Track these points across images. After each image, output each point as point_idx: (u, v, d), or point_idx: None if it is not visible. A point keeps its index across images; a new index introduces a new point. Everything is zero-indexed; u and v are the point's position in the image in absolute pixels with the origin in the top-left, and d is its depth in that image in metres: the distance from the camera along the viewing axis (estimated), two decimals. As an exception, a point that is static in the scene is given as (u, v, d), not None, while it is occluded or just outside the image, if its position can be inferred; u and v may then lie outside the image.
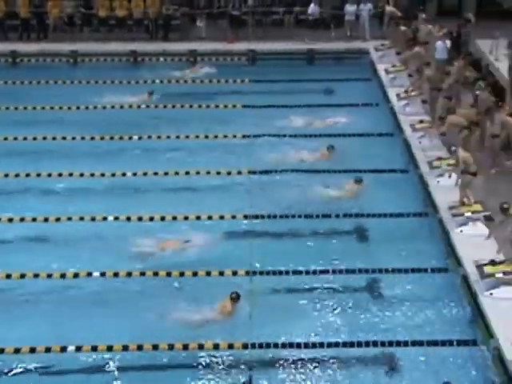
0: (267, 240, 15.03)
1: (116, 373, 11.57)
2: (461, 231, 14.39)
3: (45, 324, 12.54)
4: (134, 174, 17.48)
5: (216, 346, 11.89)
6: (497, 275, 12.63)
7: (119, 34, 27.03)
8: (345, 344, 11.98)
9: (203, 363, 11.74)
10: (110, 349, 11.84)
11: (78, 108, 21.37)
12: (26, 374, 11.54)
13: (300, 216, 15.56)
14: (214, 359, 11.78)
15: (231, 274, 13.67)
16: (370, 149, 18.60)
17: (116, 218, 15.53)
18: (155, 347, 11.86)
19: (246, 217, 15.51)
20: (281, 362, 11.72)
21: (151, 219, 15.50)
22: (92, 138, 19.39)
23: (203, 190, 16.92)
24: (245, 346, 11.86)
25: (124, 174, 17.48)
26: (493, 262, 12.92)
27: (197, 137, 19.44)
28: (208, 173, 17.42)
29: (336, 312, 12.90)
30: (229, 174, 17.45)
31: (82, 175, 17.41)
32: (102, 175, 17.42)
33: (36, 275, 13.67)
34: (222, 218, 15.50)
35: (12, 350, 11.79)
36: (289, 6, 27.95)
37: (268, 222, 15.48)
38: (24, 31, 26.84)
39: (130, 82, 23.56)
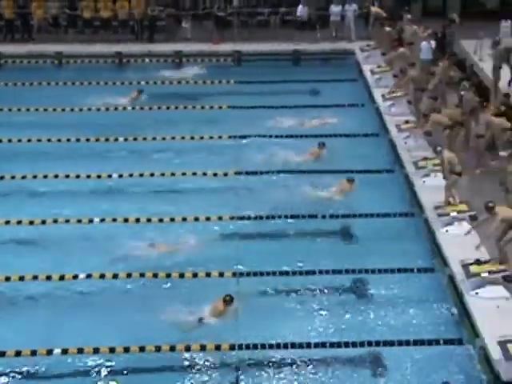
0: (254, 241, 15.04)
1: (102, 375, 11.54)
2: (446, 231, 14.45)
3: (31, 326, 12.48)
4: (120, 176, 17.43)
5: (203, 348, 11.88)
6: (482, 274, 12.69)
7: (104, 35, 26.95)
8: (332, 344, 12.00)
9: (190, 365, 11.72)
10: (96, 351, 11.80)
11: (63, 110, 21.29)
12: (10, 376, 11.47)
13: (286, 217, 15.58)
14: (201, 361, 11.76)
15: (218, 275, 13.66)
16: (356, 149, 18.63)
17: (102, 220, 15.48)
18: (142, 349, 11.83)
19: (232, 218, 15.50)
20: (268, 363, 11.72)
21: (137, 220, 15.47)
22: (77, 140, 19.31)
23: (189, 191, 16.90)
24: (232, 347, 11.86)
25: (110, 176, 17.43)
26: (478, 262, 12.98)
27: (183, 138, 19.41)
28: (194, 174, 17.41)
29: (323, 312, 12.91)
30: (215, 175, 17.44)
31: (67, 177, 17.34)
32: (88, 177, 17.37)
33: (21, 278, 13.62)
34: (208, 219, 15.49)
35: (-3, 353, 11.74)
36: (274, 6, 27.98)
37: (254, 223, 15.48)
38: (8, 32, 26.71)
39: (116, 83, 23.51)
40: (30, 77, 23.69)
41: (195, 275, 13.72)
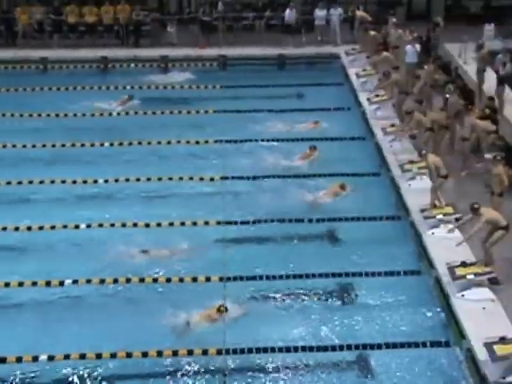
0: (240, 246, 15.02)
1: (88, 382, 11.48)
2: (433, 233, 14.50)
3: (17, 333, 12.42)
4: (106, 181, 17.37)
5: (190, 352, 11.85)
6: (468, 277, 12.74)
7: (89, 40, 26.90)
8: (319, 348, 12.00)
9: (178, 370, 11.69)
10: (83, 357, 11.75)
11: (48, 115, 21.20)
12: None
13: (273, 221, 15.58)
14: (188, 365, 11.74)
15: (204, 280, 13.65)
16: (342, 153, 18.67)
17: (88, 226, 15.42)
18: (129, 355, 11.79)
19: (219, 223, 15.48)
20: (255, 368, 11.72)
21: (123, 226, 15.41)
22: (63, 145, 19.23)
23: (176, 196, 16.88)
24: (219, 352, 11.84)
25: (96, 181, 17.37)
26: (464, 264, 13.03)
27: (169, 143, 19.38)
28: (181, 179, 17.38)
29: (310, 316, 12.91)
30: (201, 179, 17.42)
31: (52, 182, 17.26)
32: (74, 182, 17.31)
33: (6, 284, 13.54)
34: (194, 224, 15.46)
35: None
36: (259, 11, 28.01)
37: (241, 227, 15.45)
38: (-8, 38, 26.65)
39: (101, 88, 23.47)
40: (15, 82, 23.59)
41: (181, 280, 13.70)
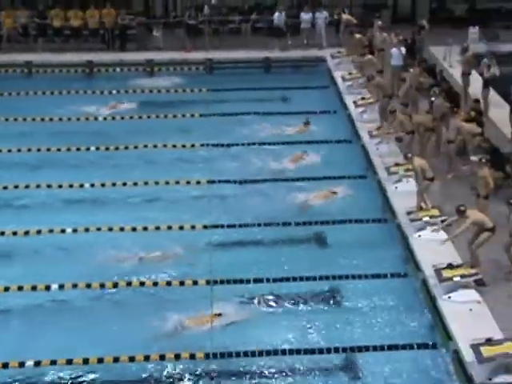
0: (227, 249, 15.00)
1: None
2: (419, 236, 14.54)
3: (3, 338, 12.34)
4: (92, 185, 17.31)
5: (177, 356, 11.82)
6: (454, 279, 12.77)
7: (75, 44, 26.81)
8: (306, 351, 11.99)
9: (165, 374, 11.65)
10: (69, 362, 11.69)
11: (33, 119, 21.12)
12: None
13: (260, 225, 15.56)
14: (175, 370, 11.70)
15: (191, 283, 13.62)
16: (328, 156, 18.70)
17: (74, 230, 15.35)
18: (116, 359, 11.74)
19: (205, 227, 15.45)
20: (243, 371, 11.69)
21: (110, 230, 15.35)
22: (48, 150, 19.15)
23: (162, 200, 16.84)
24: (206, 356, 11.81)
25: (82, 186, 17.30)
26: (450, 266, 13.06)
27: (155, 146, 19.34)
28: (167, 183, 17.34)
29: (297, 319, 12.90)
30: (188, 183, 17.40)
31: (38, 186, 17.18)
32: (60, 186, 17.23)
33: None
34: (181, 228, 15.43)
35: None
36: (245, 14, 28.03)
37: (227, 231, 15.43)
38: (-23, 42, 26.50)
39: (87, 92, 23.40)
40: (0, 86, 23.48)
41: (169, 283, 13.67)
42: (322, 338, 12.37)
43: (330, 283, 13.72)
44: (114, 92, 23.25)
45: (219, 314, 12.51)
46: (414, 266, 13.91)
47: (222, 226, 15.52)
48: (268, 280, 13.72)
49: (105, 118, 21.41)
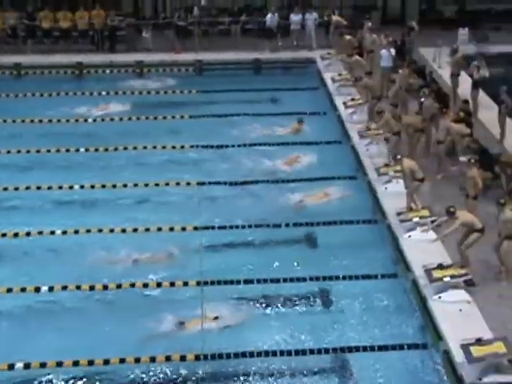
0: (217, 250, 14.98)
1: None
2: (409, 236, 14.56)
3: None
4: (82, 187, 17.26)
5: (168, 358, 11.79)
6: (445, 279, 12.80)
7: (64, 45, 26.72)
8: (297, 352, 11.99)
9: (156, 376, 11.62)
10: (60, 365, 11.64)
11: (23, 121, 21.05)
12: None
13: (250, 226, 15.55)
14: (166, 372, 11.67)
15: (182, 284, 13.60)
16: (319, 156, 18.72)
17: (64, 232, 15.30)
18: (106, 362, 11.70)
19: (196, 228, 15.43)
20: (233, 373, 11.67)
21: (100, 231, 15.30)
22: (38, 151, 19.09)
23: (152, 201, 16.81)
24: (197, 358, 11.78)
25: (71, 187, 17.26)
26: (441, 266, 13.10)
27: (145, 148, 19.30)
28: (157, 185, 17.31)
29: (288, 320, 12.90)
30: (178, 184, 17.37)
31: (28, 188, 17.12)
32: (49, 188, 17.17)
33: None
34: (171, 229, 15.40)
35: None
36: (235, 15, 28.03)
37: (218, 232, 15.42)
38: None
39: (76, 93, 23.34)
40: (-11, 88, 23.43)
41: (159, 285, 13.65)
42: (313, 338, 12.36)
43: (320, 284, 13.72)
44: (104, 93, 23.20)
45: (216, 318, 12.47)
46: (404, 266, 13.94)
47: (213, 228, 15.50)
48: (259, 281, 13.71)
49: (95, 120, 21.37)
